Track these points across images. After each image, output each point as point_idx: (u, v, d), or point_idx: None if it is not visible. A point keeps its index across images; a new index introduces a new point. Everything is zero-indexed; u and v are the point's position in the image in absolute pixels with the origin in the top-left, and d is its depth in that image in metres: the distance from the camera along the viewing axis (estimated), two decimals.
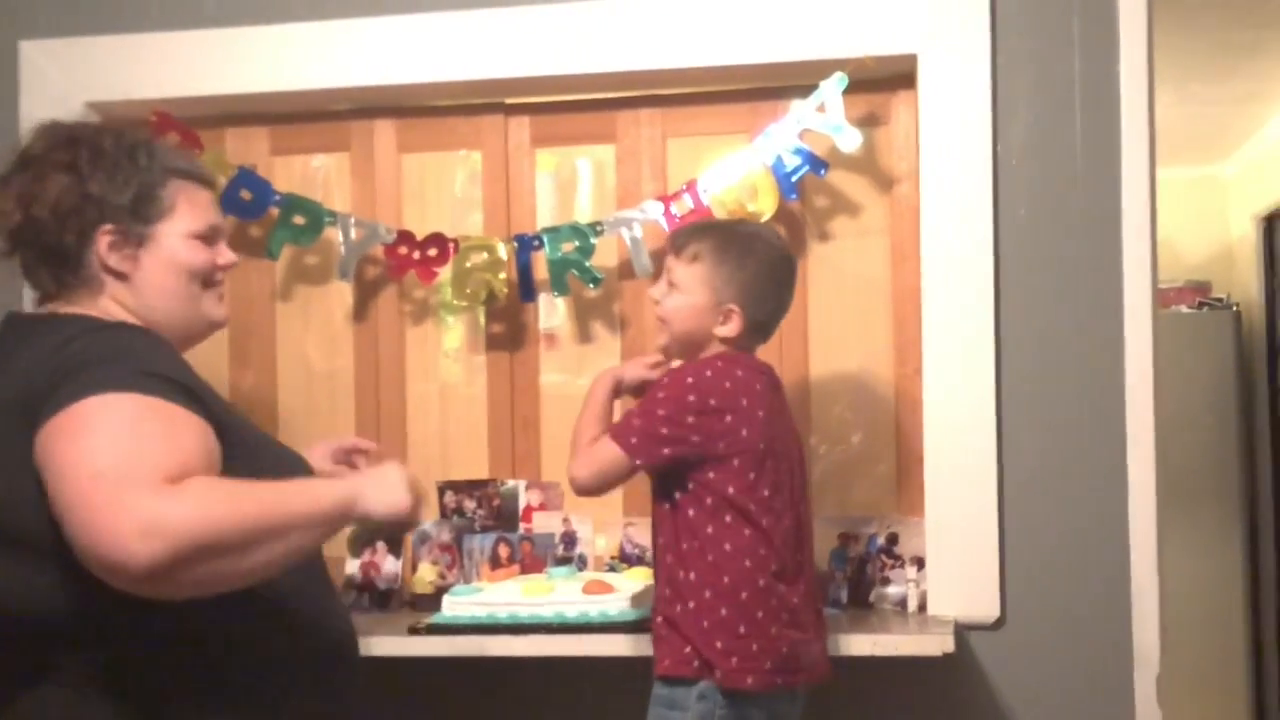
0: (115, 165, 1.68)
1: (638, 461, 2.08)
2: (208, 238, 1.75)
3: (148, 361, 1.54)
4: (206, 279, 1.75)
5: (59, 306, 1.68)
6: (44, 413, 1.46)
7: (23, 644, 1.56)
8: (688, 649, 2.03)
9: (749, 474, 2.07)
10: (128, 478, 1.38)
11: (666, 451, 2.06)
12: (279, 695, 1.63)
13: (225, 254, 1.79)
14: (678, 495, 2.09)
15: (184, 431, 1.48)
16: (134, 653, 1.56)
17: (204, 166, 1.87)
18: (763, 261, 2.16)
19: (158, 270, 1.70)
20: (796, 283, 2.26)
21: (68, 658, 1.56)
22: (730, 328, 2.13)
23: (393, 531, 1.78)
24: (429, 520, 2.64)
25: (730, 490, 2.06)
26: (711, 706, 2.01)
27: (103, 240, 1.66)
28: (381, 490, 1.64)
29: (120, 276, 1.68)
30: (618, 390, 2.25)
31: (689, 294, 2.14)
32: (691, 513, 2.07)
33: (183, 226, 1.72)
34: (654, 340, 2.32)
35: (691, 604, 2.04)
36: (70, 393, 1.45)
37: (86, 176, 1.66)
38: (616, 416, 2.20)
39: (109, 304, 1.68)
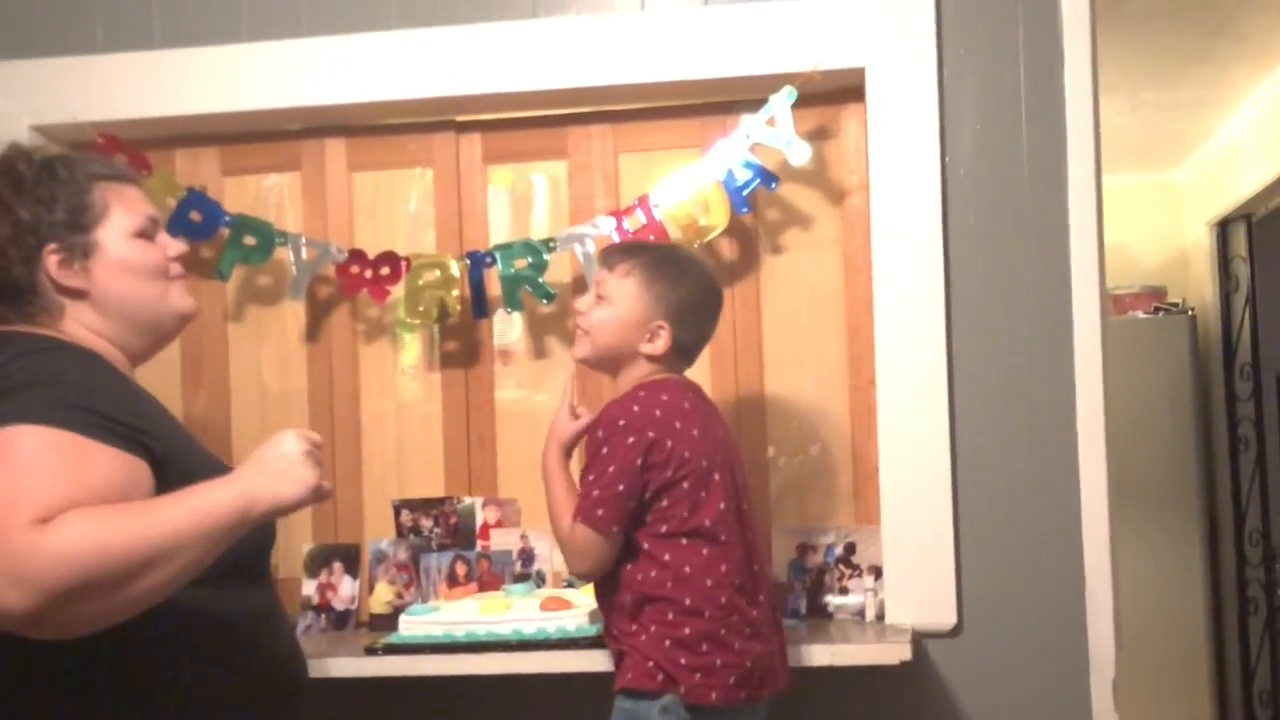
0: (36, 184, 1.66)
1: (615, 530, 2.05)
2: (148, 232, 1.73)
3: (80, 393, 1.51)
4: (164, 274, 1.74)
5: (15, 326, 1.66)
6: None
7: None
8: (650, 664, 2.03)
9: (700, 493, 2.06)
10: (3, 519, 1.35)
11: (633, 505, 2.05)
12: None
13: (172, 244, 1.77)
14: (633, 532, 2.07)
15: (93, 469, 1.44)
16: (53, 690, 1.53)
17: (124, 165, 1.84)
18: (696, 285, 2.17)
19: (112, 277, 1.68)
20: (723, 312, 2.25)
21: None
22: (657, 346, 2.13)
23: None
24: (388, 537, 2.63)
25: (685, 513, 2.05)
26: (675, 719, 2.01)
27: (50, 261, 1.65)
28: (280, 479, 1.51)
29: (77, 295, 1.66)
30: (568, 452, 2.21)
31: (618, 308, 2.14)
32: (647, 545, 2.06)
33: (122, 225, 1.70)
34: (571, 351, 2.27)
35: (653, 628, 2.04)
36: None
37: (12, 204, 1.64)
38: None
39: (71, 326, 1.66)
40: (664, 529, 2.05)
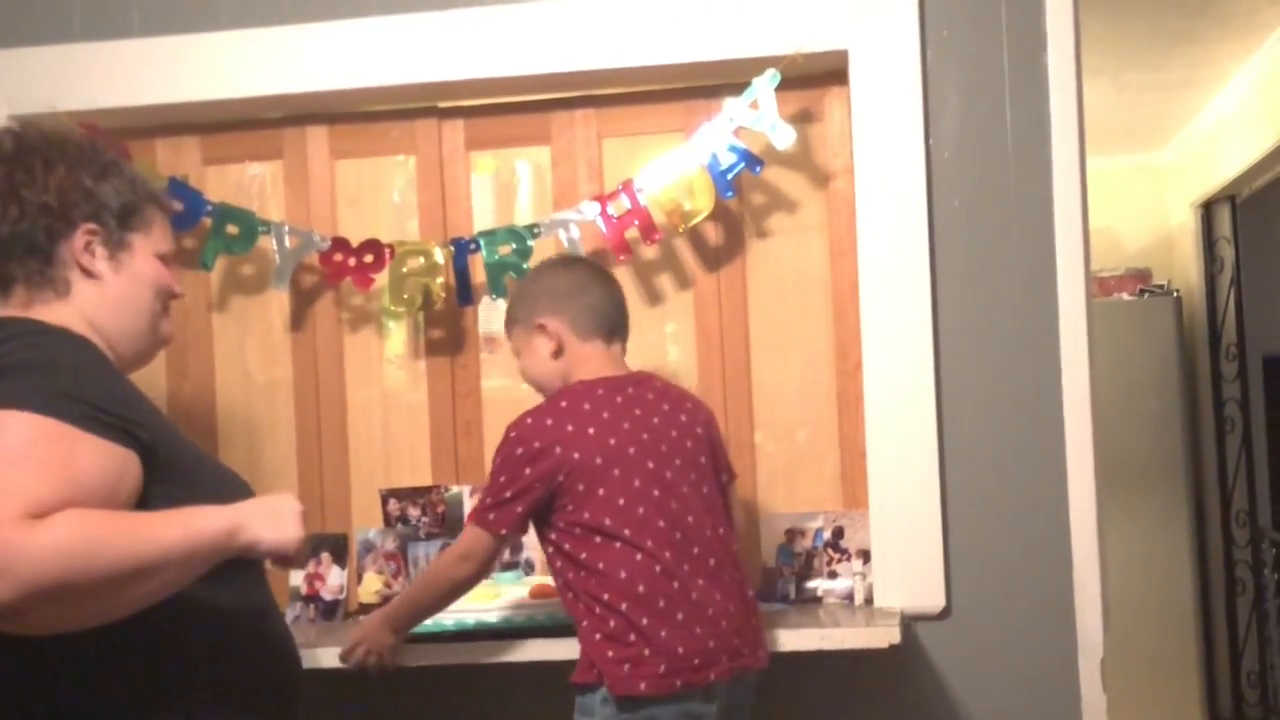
0: (107, 170, 1.70)
1: (502, 532, 2.14)
2: (167, 261, 1.78)
3: (72, 381, 1.50)
4: (167, 295, 1.78)
5: (13, 310, 1.65)
6: None
7: None
8: (586, 658, 2.09)
9: (599, 490, 2.10)
10: None
11: (520, 509, 2.12)
12: None
13: (175, 283, 1.82)
14: (549, 534, 2.15)
15: (83, 462, 1.44)
16: (59, 686, 1.52)
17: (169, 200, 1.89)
18: (545, 271, 2.32)
19: (129, 281, 1.71)
20: (611, 279, 2.32)
21: None
22: (551, 342, 2.22)
23: (277, 566, 1.65)
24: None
25: (586, 515, 2.10)
26: (613, 710, 2.03)
27: (80, 240, 1.66)
28: (270, 522, 1.57)
29: (91, 276, 1.67)
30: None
31: (524, 351, 2.27)
32: (567, 545, 2.12)
33: (154, 244, 1.75)
34: None
35: (585, 623, 2.09)
36: None
37: (80, 176, 1.67)
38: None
39: (69, 311, 1.65)
40: (577, 530, 2.11)
